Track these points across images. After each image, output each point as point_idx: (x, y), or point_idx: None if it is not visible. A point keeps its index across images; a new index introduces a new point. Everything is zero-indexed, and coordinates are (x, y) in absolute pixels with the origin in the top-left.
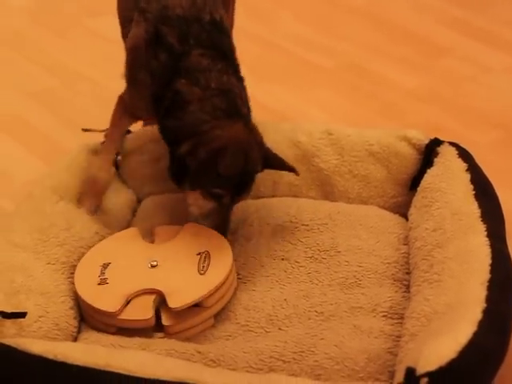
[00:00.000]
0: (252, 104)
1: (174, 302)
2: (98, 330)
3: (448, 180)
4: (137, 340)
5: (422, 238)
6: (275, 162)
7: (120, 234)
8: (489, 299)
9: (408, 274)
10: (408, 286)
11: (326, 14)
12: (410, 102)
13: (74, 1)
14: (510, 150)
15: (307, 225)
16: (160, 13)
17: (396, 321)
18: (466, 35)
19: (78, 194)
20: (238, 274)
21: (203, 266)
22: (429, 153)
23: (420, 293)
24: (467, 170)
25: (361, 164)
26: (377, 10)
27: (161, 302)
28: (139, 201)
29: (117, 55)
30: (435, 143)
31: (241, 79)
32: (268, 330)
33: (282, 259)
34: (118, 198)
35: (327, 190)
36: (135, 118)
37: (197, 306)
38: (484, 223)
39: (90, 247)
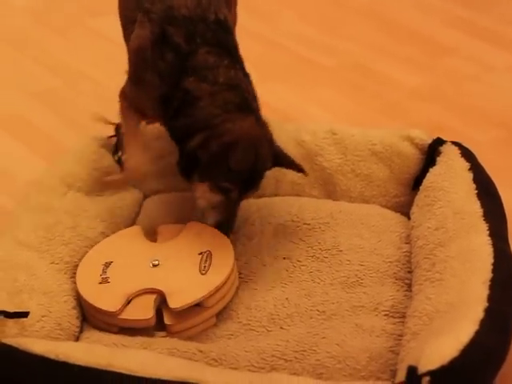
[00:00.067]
0: None
1: (175, 302)
2: (100, 329)
3: (450, 179)
4: (139, 339)
5: (424, 236)
6: (285, 161)
7: (123, 232)
8: (491, 298)
9: (410, 272)
10: (410, 285)
11: (329, 13)
12: (413, 101)
13: (76, 1)
14: None
15: (309, 224)
16: (165, 13)
17: (398, 320)
18: (471, 35)
19: (87, 186)
20: (240, 273)
21: (204, 266)
22: (431, 152)
23: (422, 292)
24: (470, 169)
25: (363, 163)
26: (380, 10)
27: (162, 302)
28: (145, 198)
29: (119, 55)
30: (438, 143)
31: (247, 75)
32: (270, 328)
33: (284, 258)
34: (124, 195)
35: (330, 189)
36: (140, 115)
37: (198, 305)
38: (486, 222)
39: None
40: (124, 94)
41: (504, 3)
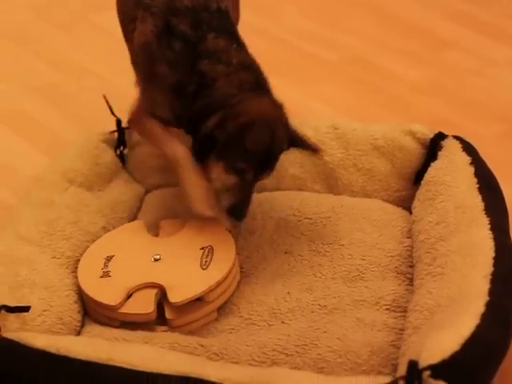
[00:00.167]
0: None
1: (175, 297)
2: (102, 323)
3: (452, 173)
4: (140, 333)
5: (426, 231)
6: (300, 142)
7: (125, 227)
8: (492, 292)
9: (411, 267)
10: (411, 279)
11: (331, 8)
12: (414, 95)
13: None
14: None
15: (310, 218)
16: (167, 5)
17: (399, 314)
18: (471, 28)
19: (89, 181)
20: (241, 268)
21: (206, 261)
22: (433, 146)
23: (423, 286)
24: (471, 164)
25: (365, 158)
26: (381, 4)
27: (163, 296)
28: (147, 193)
29: (122, 50)
30: (439, 137)
31: (255, 59)
32: (271, 323)
33: (285, 253)
34: (126, 190)
35: (331, 184)
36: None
37: (199, 300)
38: (487, 216)
39: None
40: (141, 111)
41: None
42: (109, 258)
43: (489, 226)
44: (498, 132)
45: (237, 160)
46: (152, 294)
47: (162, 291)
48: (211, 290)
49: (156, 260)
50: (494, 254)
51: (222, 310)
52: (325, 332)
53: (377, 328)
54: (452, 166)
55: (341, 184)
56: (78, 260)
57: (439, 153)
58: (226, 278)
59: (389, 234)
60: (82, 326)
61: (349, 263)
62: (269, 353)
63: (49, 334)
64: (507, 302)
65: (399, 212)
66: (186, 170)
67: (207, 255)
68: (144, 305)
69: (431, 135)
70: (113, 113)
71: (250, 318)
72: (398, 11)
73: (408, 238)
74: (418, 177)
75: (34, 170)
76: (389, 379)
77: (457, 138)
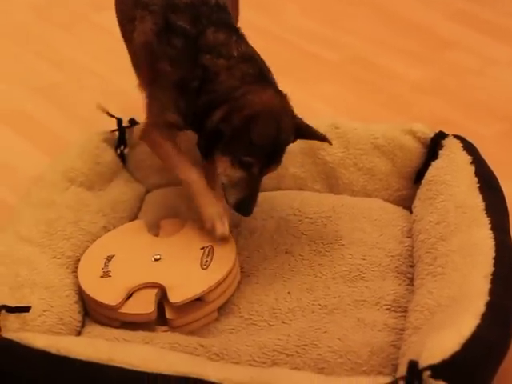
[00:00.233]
0: None
1: (175, 297)
2: (102, 323)
3: (452, 173)
4: (140, 334)
5: (426, 230)
6: (307, 132)
7: (125, 227)
8: (492, 292)
9: (412, 266)
10: (412, 279)
11: (332, 7)
12: (415, 94)
13: None
14: None
15: (311, 218)
16: (166, 2)
17: (399, 314)
18: (472, 28)
19: (89, 181)
20: (242, 268)
21: (206, 261)
22: (433, 146)
23: (424, 286)
24: (472, 163)
25: (366, 157)
26: (382, 3)
27: (164, 296)
28: (148, 192)
29: (122, 50)
30: (440, 136)
31: (256, 51)
32: (271, 323)
33: (286, 252)
34: (126, 190)
35: (332, 183)
36: (169, 128)
37: (200, 300)
38: (488, 216)
39: None
40: (150, 126)
41: None
42: (109, 258)
43: (489, 226)
44: (498, 131)
45: (243, 154)
46: (152, 293)
47: (163, 291)
48: (211, 290)
49: (156, 260)
50: (494, 254)
51: (222, 310)
52: (325, 332)
53: (377, 328)
54: (452, 166)
55: (341, 183)
56: (79, 260)
57: (440, 152)
58: (226, 277)
59: (389, 233)
60: (83, 326)
61: (349, 263)
62: (269, 353)
63: (49, 334)
64: (507, 302)
65: (400, 211)
66: (200, 193)
67: (207, 255)
68: (144, 305)
69: (432, 134)
70: (111, 115)
71: (251, 318)
72: (399, 10)
73: (408, 237)
74: (418, 176)
75: (34, 169)
76: (389, 379)
77: (457, 137)
